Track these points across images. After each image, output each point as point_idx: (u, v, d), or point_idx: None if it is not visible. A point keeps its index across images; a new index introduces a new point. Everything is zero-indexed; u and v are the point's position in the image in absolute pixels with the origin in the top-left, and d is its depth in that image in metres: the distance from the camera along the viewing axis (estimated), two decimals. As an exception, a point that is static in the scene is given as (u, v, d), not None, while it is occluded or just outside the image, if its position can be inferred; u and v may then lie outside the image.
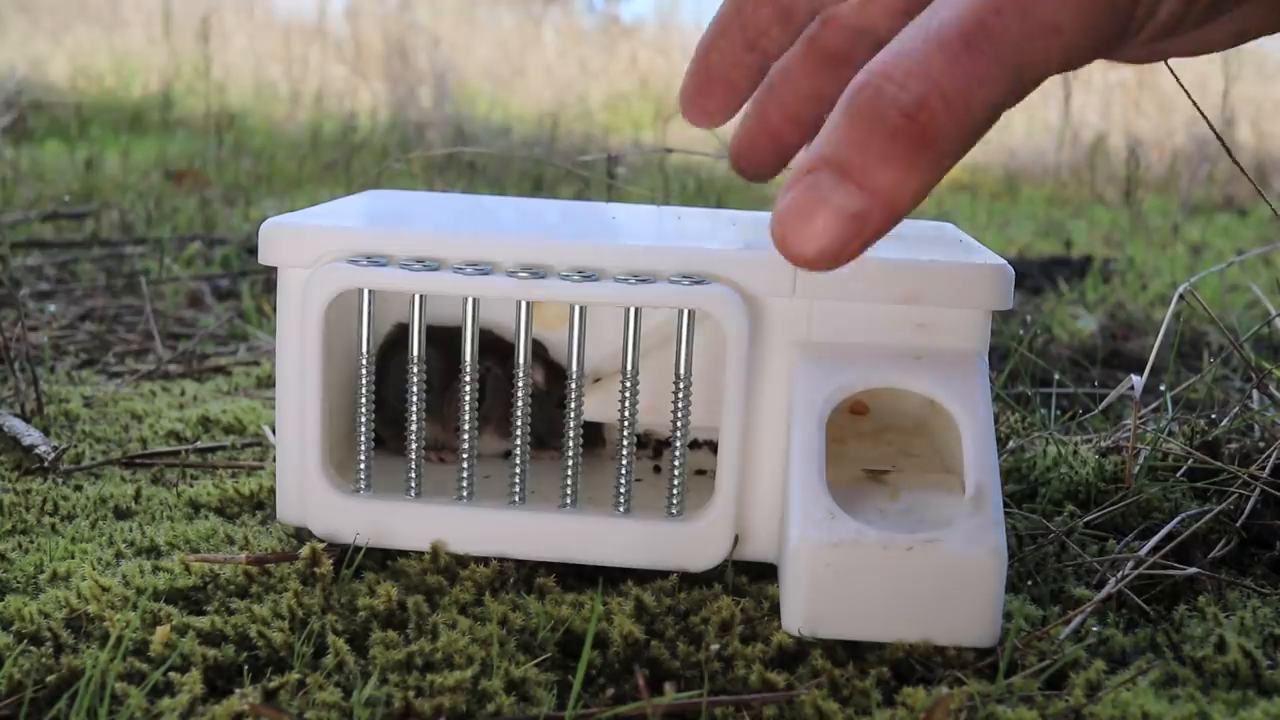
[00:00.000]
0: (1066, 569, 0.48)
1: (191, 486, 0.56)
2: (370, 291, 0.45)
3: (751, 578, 0.46)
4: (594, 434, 0.53)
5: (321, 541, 0.46)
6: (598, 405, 0.50)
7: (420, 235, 0.45)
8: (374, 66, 3.79)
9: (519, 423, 0.45)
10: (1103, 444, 0.62)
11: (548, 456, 0.52)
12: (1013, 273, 0.44)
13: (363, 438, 0.46)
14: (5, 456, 0.60)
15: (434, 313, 0.46)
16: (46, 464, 0.57)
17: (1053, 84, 2.66)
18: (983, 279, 0.44)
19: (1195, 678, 0.40)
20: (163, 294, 1.13)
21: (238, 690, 0.37)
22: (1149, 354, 0.70)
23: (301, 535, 0.49)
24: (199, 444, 0.63)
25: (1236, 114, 2.74)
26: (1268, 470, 0.55)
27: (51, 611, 0.42)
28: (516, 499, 0.46)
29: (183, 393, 0.75)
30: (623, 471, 0.45)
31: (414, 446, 0.46)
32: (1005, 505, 0.50)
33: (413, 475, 0.46)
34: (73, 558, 0.47)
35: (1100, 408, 0.68)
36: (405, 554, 0.46)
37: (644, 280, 0.43)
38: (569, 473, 0.46)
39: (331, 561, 0.44)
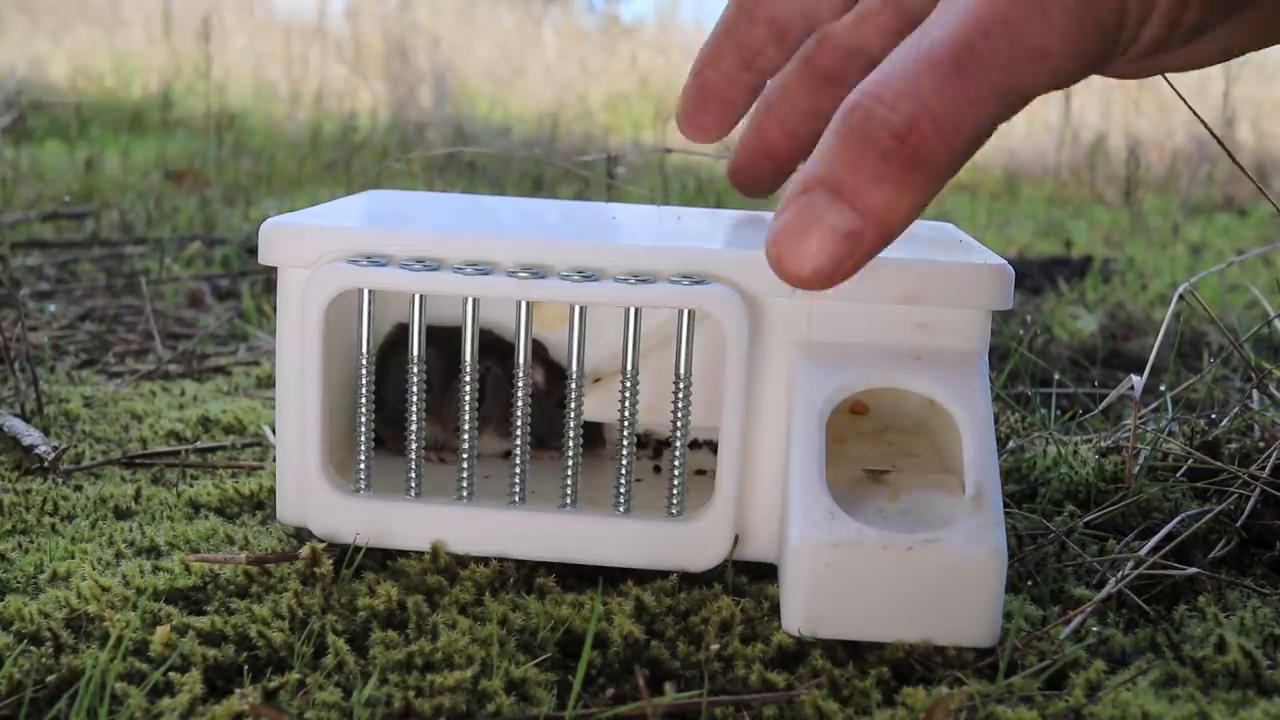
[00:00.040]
0: (1066, 569, 0.48)
1: (191, 486, 0.56)
2: (370, 291, 0.45)
3: (751, 578, 0.46)
4: (594, 434, 0.53)
5: (321, 541, 0.46)
6: (598, 405, 0.50)
7: (420, 235, 0.45)
8: (374, 66, 3.79)
9: (519, 423, 0.45)
10: (1103, 444, 0.62)
11: (548, 456, 0.52)
12: (1013, 273, 0.44)
13: (363, 438, 0.46)
14: (5, 456, 0.60)
15: (434, 313, 0.46)
16: (46, 464, 0.57)
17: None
18: (983, 279, 0.44)
19: (1195, 678, 0.40)
20: (163, 294, 1.13)
21: (238, 690, 0.37)
22: (1149, 354, 0.70)
23: (301, 535, 0.49)
24: (199, 444, 0.63)
25: (1237, 114, 2.74)
26: (1268, 470, 0.55)
27: (51, 611, 0.42)
28: (516, 499, 0.46)
29: (183, 393, 0.75)
30: (623, 471, 0.45)
31: (414, 446, 0.46)
32: (1005, 505, 0.50)
33: (413, 475, 0.46)
34: (73, 558, 0.47)
35: (1100, 408, 0.68)
36: (405, 554, 0.46)
37: (644, 280, 0.43)
38: (569, 473, 0.46)
39: (331, 561, 0.44)
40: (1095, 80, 0.40)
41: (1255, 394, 0.66)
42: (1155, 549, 0.49)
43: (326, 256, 0.45)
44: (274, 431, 0.57)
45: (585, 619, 0.42)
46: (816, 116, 0.37)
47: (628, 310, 0.44)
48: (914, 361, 0.44)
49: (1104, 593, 0.45)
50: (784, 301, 0.44)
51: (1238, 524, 0.52)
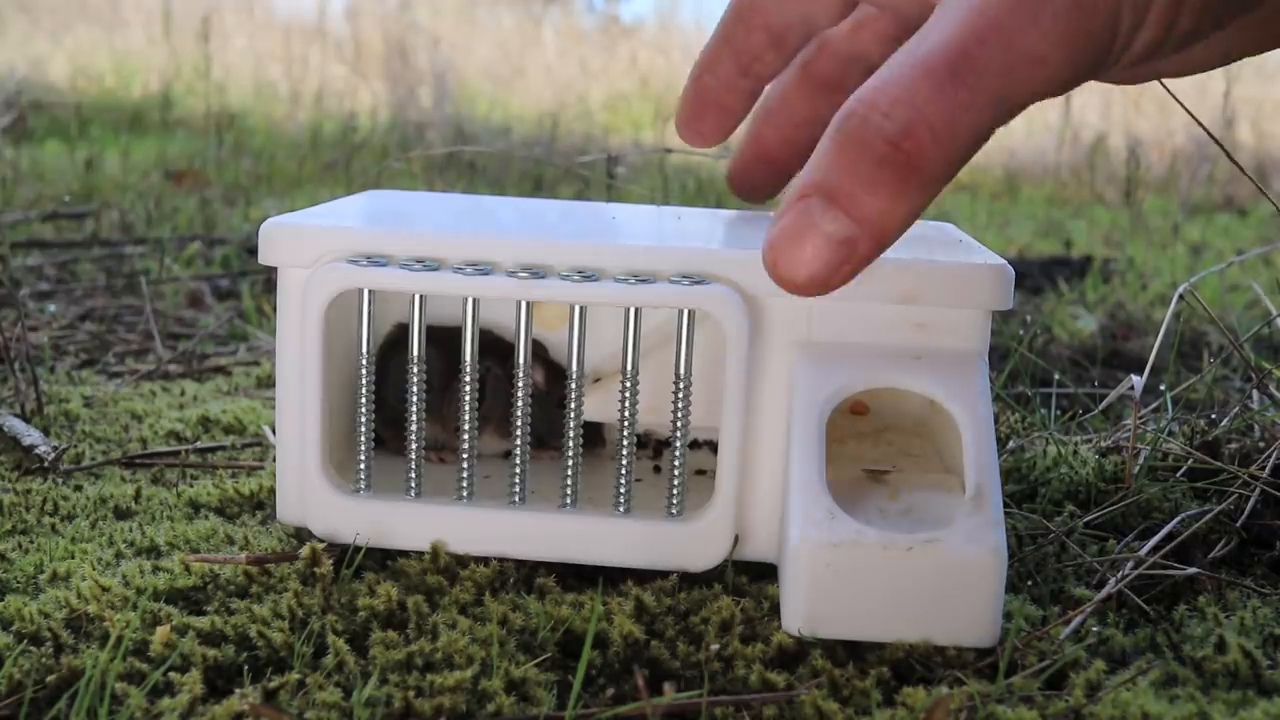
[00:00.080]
0: (1066, 569, 0.48)
1: (191, 486, 0.56)
2: (370, 291, 0.45)
3: (751, 578, 0.46)
4: (594, 434, 0.53)
5: (321, 541, 0.46)
6: (598, 405, 0.50)
7: (420, 235, 0.45)
8: (374, 66, 3.79)
9: (519, 423, 0.45)
10: (1103, 444, 0.62)
11: (548, 456, 0.52)
12: (1013, 273, 0.44)
13: (363, 438, 0.46)
14: (5, 456, 0.60)
15: (434, 313, 0.46)
16: (46, 464, 0.57)
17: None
18: (983, 279, 0.44)
19: (1195, 678, 0.40)
20: (163, 294, 1.13)
21: (238, 690, 0.37)
22: (1149, 354, 0.70)
23: (301, 535, 0.49)
24: (199, 444, 0.63)
25: (1237, 114, 2.74)
26: (1268, 470, 0.55)
27: (51, 611, 0.42)
28: (516, 499, 0.46)
29: (183, 393, 0.75)
30: (623, 471, 0.45)
31: (414, 446, 0.46)
32: (1005, 505, 0.50)
33: (413, 475, 0.46)
34: (73, 558, 0.47)
35: (1100, 408, 0.68)
36: (405, 554, 0.46)
37: (644, 280, 0.43)
38: (569, 473, 0.46)
39: (331, 561, 0.44)
40: (1094, 82, 0.40)
41: (1255, 394, 0.66)
42: (1155, 549, 0.49)
43: (326, 256, 0.45)
44: (274, 431, 0.57)
45: (585, 619, 0.42)
46: (814, 123, 0.38)
47: (628, 310, 0.44)
48: (914, 361, 0.44)
49: (1104, 593, 0.45)
50: (784, 301, 0.44)
51: (1238, 524, 0.52)
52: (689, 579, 0.45)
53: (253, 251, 1.30)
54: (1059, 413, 0.72)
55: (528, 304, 0.45)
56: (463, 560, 0.46)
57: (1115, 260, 1.64)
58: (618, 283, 0.43)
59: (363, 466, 0.46)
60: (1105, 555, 0.50)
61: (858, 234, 0.35)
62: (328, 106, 3.11)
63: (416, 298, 0.45)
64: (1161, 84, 0.47)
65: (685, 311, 0.44)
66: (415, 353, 0.46)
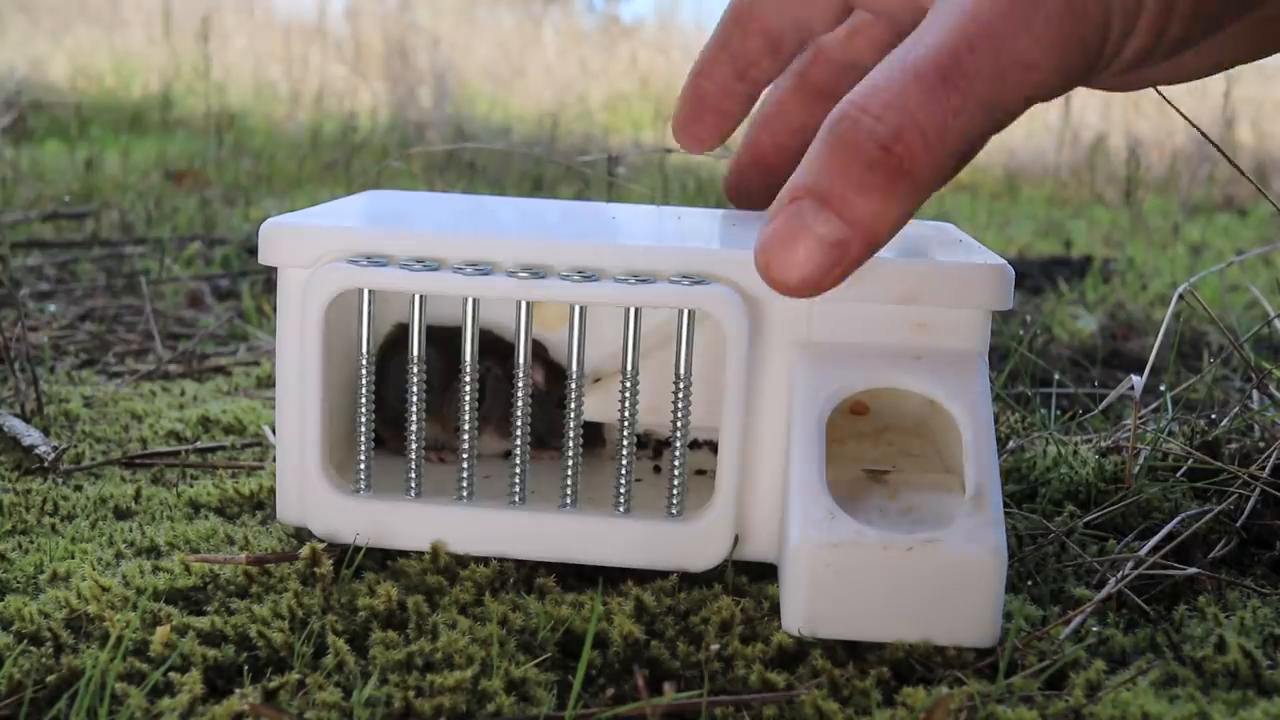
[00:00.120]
0: (1066, 569, 0.48)
1: (191, 486, 0.56)
2: (370, 291, 0.45)
3: (751, 578, 0.46)
4: (594, 434, 0.53)
5: (321, 541, 0.46)
6: (598, 405, 0.50)
7: (420, 235, 0.45)
8: (374, 66, 3.79)
9: (519, 423, 0.45)
10: (1103, 444, 0.62)
11: (548, 456, 0.52)
12: (1013, 273, 0.44)
13: (363, 438, 0.46)
14: (5, 456, 0.60)
15: (434, 313, 0.46)
16: (46, 464, 0.57)
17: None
18: (983, 279, 0.44)
19: (1195, 678, 0.40)
20: (163, 294, 1.13)
21: (238, 690, 0.37)
22: (1149, 354, 0.70)
23: (301, 535, 0.49)
24: (199, 444, 0.63)
25: (1237, 114, 2.74)
26: (1268, 470, 0.55)
27: (51, 611, 0.42)
28: (516, 499, 0.46)
29: (183, 393, 0.75)
30: (623, 471, 0.45)
31: (414, 446, 0.46)
32: (1005, 505, 0.50)
33: (413, 475, 0.46)
34: (73, 558, 0.47)
35: (1100, 408, 0.68)
36: (405, 554, 0.46)
37: (644, 280, 0.43)
38: (569, 473, 0.46)
39: (331, 561, 0.44)
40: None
41: (1255, 394, 0.66)
42: (1155, 549, 0.49)
43: (326, 256, 0.45)
44: (274, 431, 0.57)
45: (585, 619, 0.42)
46: (810, 130, 0.38)
47: (628, 310, 0.44)
48: (914, 361, 0.44)
49: (1104, 593, 0.45)
50: (784, 302, 0.44)
51: (1238, 524, 0.52)
52: (689, 579, 0.45)
53: (253, 251, 1.30)
54: (1059, 413, 0.72)
55: (528, 304, 0.45)
56: (463, 560, 0.46)
57: (1115, 260, 1.64)
58: (618, 283, 0.43)
59: (363, 466, 0.46)
60: (1105, 555, 0.50)
61: (849, 236, 0.35)
62: (328, 106, 3.11)
63: (416, 298, 0.45)
64: (1158, 91, 0.47)
65: (685, 311, 0.44)
66: (415, 353, 0.46)
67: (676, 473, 0.45)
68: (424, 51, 3.81)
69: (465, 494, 0.46)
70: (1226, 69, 0.43)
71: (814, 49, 0.50)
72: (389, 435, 0.51)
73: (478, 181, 2.02)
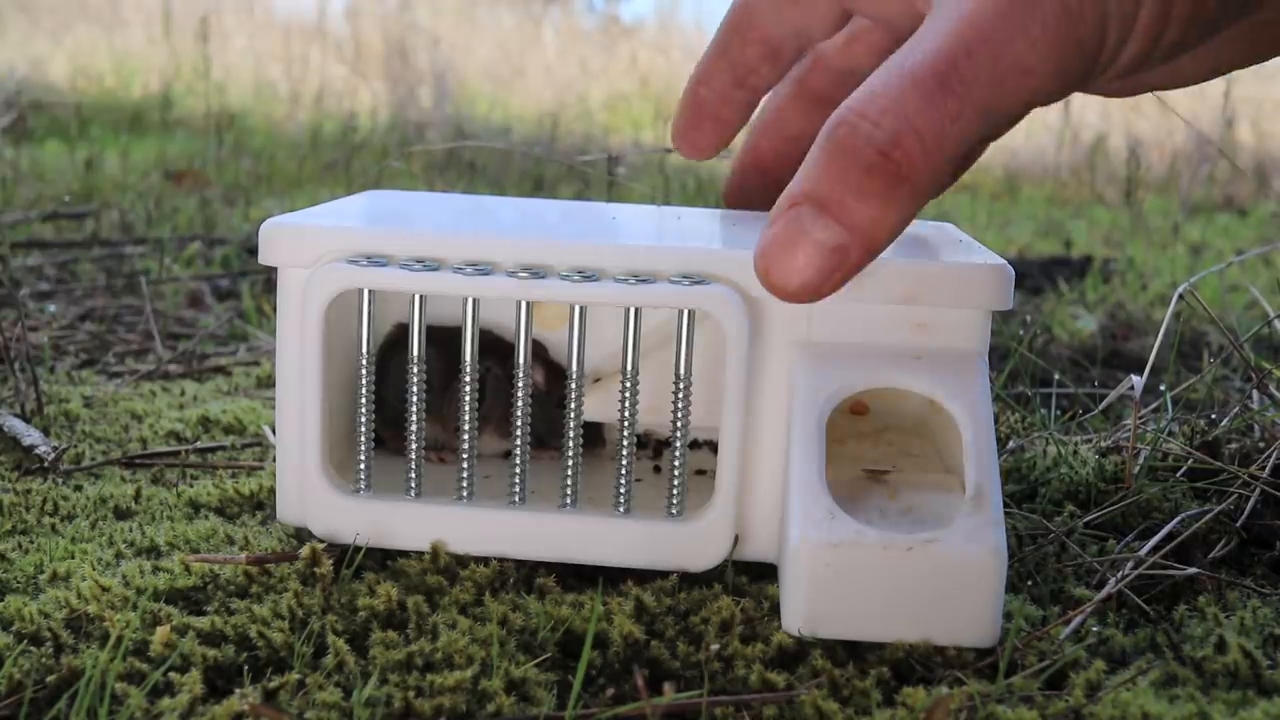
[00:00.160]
0: (1066, 569, 0.48)
1: (191, 486, 0.56)
2: (370, 291, 0.45)
3: (751, 578, 0.46)
4: (594, 434, 0.53)
5: (321, 541, 0.46)
6: (598, 405, 0.50)
7: (420, 235, 0.45)
8: (374, 66, 3.79)
9: (519, 423, 0.45)
10: (1103, 444, 0.62)
11: (548, 456, 0.52)
12: (1013, 273, 0.44)
13: (363, 438, 0.46)
14: (5, 456, 0.60)
15: (434, 313, 0.46)
16: (46, 464, 0.57)
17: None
18: (983, 279, 0.44)
19: (1195, 678, 0.40)
20: (163, 294, 1.13)
21: (238, 690, 0.37)
22: (1149, 354, 0.70)
23: (301, 535, 0.49)
24: (199, 444, 0.63)
25: (1237, 114, 2.74)
26: (1268, 470, 0.55)
27: (51, 611, 0.42)
28: (516, 499, 0.46)
29: (183, 393, 0.75)
30: (623, 471, 0.45)
31: (414, 446, 0.46)
32: (1005, 505, 0.50)
33: (413, 475, 0.46)
34: (73, 558, 0.47)
35: (1100, 408, 0.68)
36: (405, 554, 0.46)
37: (644, 280, 0.43)
38: (569, 473, 0.46)
39: (331, 561, 0.44)
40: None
41: (1255, 394, 0.66)
42: (1155, 549, 0.49)
43: (326, 256, 0.45)
44: (274, 431, 0.57)
45: (585, 619, 0.42)
46: (809, 137, 0.38)
47: (628, 310, 0.44)
48: (914, 361, 0.44)
49: (1104, 593, 0.45)
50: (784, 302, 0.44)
51: (1238, 524, 0.52)
52: (689, 579, 0.45)
53: (253, 251, 1.30)
54: (1059, 413, 0.72)
55: (528, 304, 0.45)
56: (463, 560, 0.46)
57: (1115, 260, 1.64)
58: (618, 283, 0.43)
59: (363, 466, 0.46)
60: (1105, 555, 0.50)
61: (848, 241, 0.35)
62: (328, 106, 3.11)
63: (416, 298, 0.45)
64: (1156, 96, 0.47)
65: (685, 311, 0.44)
66: (415, 353, 0.46)
67: (676, 473, 0.45)
68: (424, 51, 3.81)
69: (465, 494, 0.46)
70: (1223, 74, 0.43)
71: (813, 56, 0.50)
72: (389, 435, 0.51)
73: (478, 181, 2.02)
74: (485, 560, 0.46)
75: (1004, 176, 2.71)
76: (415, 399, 0.46)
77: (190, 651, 0.39)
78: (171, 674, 0.38)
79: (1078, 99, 3.08)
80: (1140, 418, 0.60)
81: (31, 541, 0.49)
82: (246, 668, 0.39)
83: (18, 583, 0.45)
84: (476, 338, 0.45)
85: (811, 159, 0.36)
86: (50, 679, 0.38)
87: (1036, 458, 0.59)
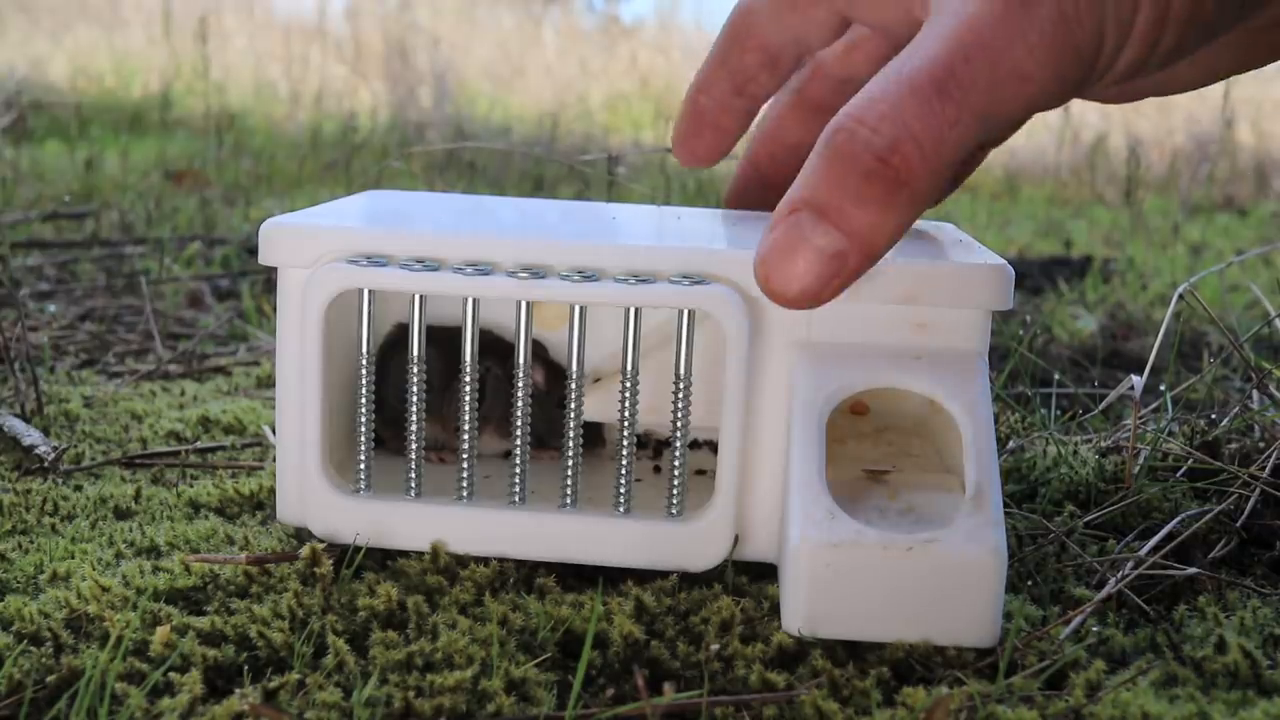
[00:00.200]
0: (1066, 569, 0.48)
1: (191, 486, 0.56)
2: (370, 291, 0.45)
3: (751, 578, 0.46)
4: (594, 434, 0.53)
5: (321, 541, 0.46)
6: (598, 405, 0.50)
7: (420, 235, 0.45)
8: (374, 66, 3.79)
9: (519, 423, 0.45)
10: (1103, 444, 0.62)
11: (548, 456, 0.52)
12: (1013, 273, 0.44)
13: (363, 438, 0.46)
14: (5, 456, 0.60)
15: (434, 313, 0.46)
16: (46, 464, 0.57)
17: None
18: (983, 279, 0.44)
19: (1195, 678, 0.40)
20: (163, 294, 1.13)
21: (238, 690, 0.37)
22: (1149, 354, 0.70)
23: (301, 535, 0.49)
24: (199, 444, 0.63)
25: (1236, 114, 2.74)
26: (1268, 470, 0.55)
27: (51, 611, 0.42)
28: (516, 499, 0.46)
29: (183, 393, 0.75)
30: (623, 471, 0.45)
31: (414, 446, 0.46)
32: (1005, 505, 0.50)
33: (413, 475, 0.46)
34: (73, 558, 0.47)
35: (1100, 408, 0.68)
36: (405, 554, 0.46)
37: (644, 280, 0.43)
38: (569, 473, 0.46)
39: (331, 561, 0.44)
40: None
41: (1255, 394, 0.66)
42: (1155, 549, 0.49)
43: (326, 256, 0.45)
44: (274, 431, 0.57)
45: (585, 619, 0.42)
46: (808, 146, 0.38)
47: (628, 310, 0.44)
48: (914, 361, 0.44)
49: (1104, 593, 0.45)
50: (784, 301, 0.44)
51: (1238, 524, 0.52)
52: (689, 579, 0.45)
53: (253, 251, 1.30)
54: (1059, 413, 0.72)
55: (528, 304, 0.45)
56: (463, 560, 0.46)
57: (1115, 260, 1.64)
58: (618, 283, 0.43)
59: (363, 466, 0.46)
60: (1105, 555, 0.50)
61: (848, 247, 0.35)
62: (328, 106, 3.11)
63: (416, 298, 0.45)
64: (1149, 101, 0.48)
65: (685, 311, 0.44)
66: (415, 353, 0.46)
67: (676, 473, 0.45)
68: (424, 51, 3.81)
69: (465, 494, 0.46)
70: (1220, 79, 0.43)
71: (812, 65, 0.51)
72: (389, 435, 0.51)
73: (478, 181, 2.02)
74: (485, 560, 0.46)
75: (1004, 176, 2.71)
76: (415, 399, 0.46)
77: (190, 651, 0.39)
78: (171, 674, 0.38)
79: (1077, 99, 3.08)
80: (1140, 418, 0.60)
81: (31, 541, 0.49)
82: (246, 668, 0.39)
83: (18, 583, 0.45)
84: (476, 338, 0.45)
85: (810, 165, 0.36)
86: (50, 679, 0.38)
87: (1036, 458, 0.59)
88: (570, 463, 0.46)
